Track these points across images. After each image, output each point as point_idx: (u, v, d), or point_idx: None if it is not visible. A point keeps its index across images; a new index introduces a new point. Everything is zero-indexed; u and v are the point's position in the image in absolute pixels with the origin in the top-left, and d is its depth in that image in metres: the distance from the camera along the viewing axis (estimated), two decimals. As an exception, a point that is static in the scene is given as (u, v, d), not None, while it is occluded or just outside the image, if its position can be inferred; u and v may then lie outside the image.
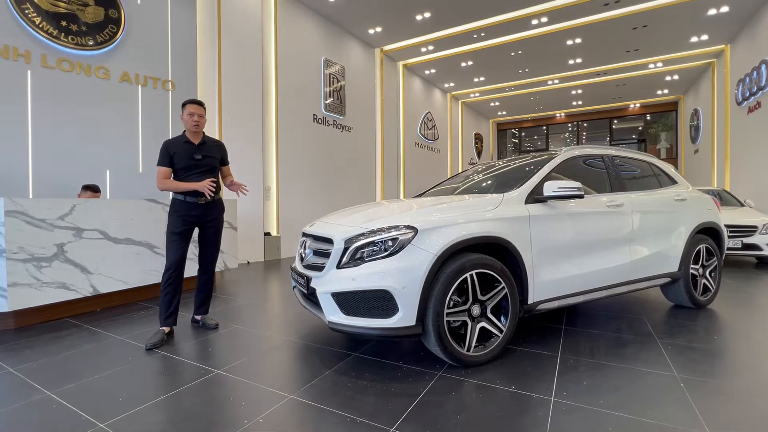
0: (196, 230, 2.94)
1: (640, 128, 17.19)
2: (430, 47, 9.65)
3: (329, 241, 2.30)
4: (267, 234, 6.73)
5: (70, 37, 4.57)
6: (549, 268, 2.47)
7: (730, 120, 9.62)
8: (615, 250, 2.82)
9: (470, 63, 10.67)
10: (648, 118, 16.37)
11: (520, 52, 9.91)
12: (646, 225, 3.01)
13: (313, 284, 2.30)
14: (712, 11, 7.94)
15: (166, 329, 2.71)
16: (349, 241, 2.19)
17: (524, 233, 2.38)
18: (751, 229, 5.62)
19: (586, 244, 2.67)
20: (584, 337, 2.65)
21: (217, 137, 6.08)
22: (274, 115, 6.87)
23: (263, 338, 2.73)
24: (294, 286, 2.94)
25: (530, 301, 2.39)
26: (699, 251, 3.31)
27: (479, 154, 16.28)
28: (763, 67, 7.66)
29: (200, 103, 2.87)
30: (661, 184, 3.39)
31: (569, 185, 2.44)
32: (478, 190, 3.13)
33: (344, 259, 2.18)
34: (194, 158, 2.81)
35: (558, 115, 16.92)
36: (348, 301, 2.11)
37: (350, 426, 1.62)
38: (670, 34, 9.03)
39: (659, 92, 13.83)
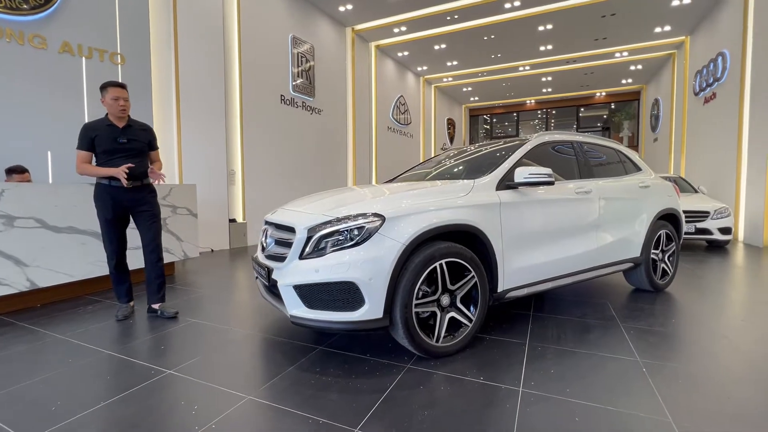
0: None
1: (605, 116, 17.77)
2: (403, 28, 9.39)
3: (291, 229, 2.15)
4: (232, 221, 6.43)
5: (-5, -1, 4.02)
6: (519, 256, 2.44)
7: (687, 110, 10.05)
8: (583, 236, 2.83)
9: (443, 46, 10.51)
10: (612, 106, 16.93)
11: (492, 36, 9.84)
12: (613, 211, 3.04)
13: (274, 276, 2.15)
14: (675, 2, 8.14)
15: (131, 303, 2.95)
16: (312, 230, 2.05)
17: (495, 220, 2.32)
18: (703, 215, 5.92)
19: (555, 231, 2.66)
20: (551, 323, 2.67)
21: (174, 120, 5.66)
22: (238, 95, 6.48)
23: (222, 332, 2.57)
24: (256, 277, 2.78)
25: (500, 289, 2.36)
26: (659, 237, 3.41)
27: (452, 139, 16.30)
28: (720, 59, 7.98)
29: (123, 86, 2.71)
30: (627, 171, 3.43)
31: (540, 172, 2.39)
32: (449, 175, 3.04)
33: (307, 249, 2.04)
34: (118, 141, 2.66)
35: (528, 101, 17.16)
36: (311, 293, 1.98)
37: (312, 427, 1.51)
38: (637, 23, 9.22)
39: (624, 81, 14.26)
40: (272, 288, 2.23)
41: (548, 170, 2.41)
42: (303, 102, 7.91)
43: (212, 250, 6.05)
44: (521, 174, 2.42)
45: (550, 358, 2.12)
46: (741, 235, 6.97)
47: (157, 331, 2.61)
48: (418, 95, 13.34)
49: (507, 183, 2.47)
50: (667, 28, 9.46)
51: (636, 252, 3.23)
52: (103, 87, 2.68)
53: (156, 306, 2.88)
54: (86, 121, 4.75)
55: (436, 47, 10.61)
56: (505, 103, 17.48)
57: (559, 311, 2.93)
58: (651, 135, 13.64)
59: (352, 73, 9.41)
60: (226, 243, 6.31)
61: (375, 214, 2.00)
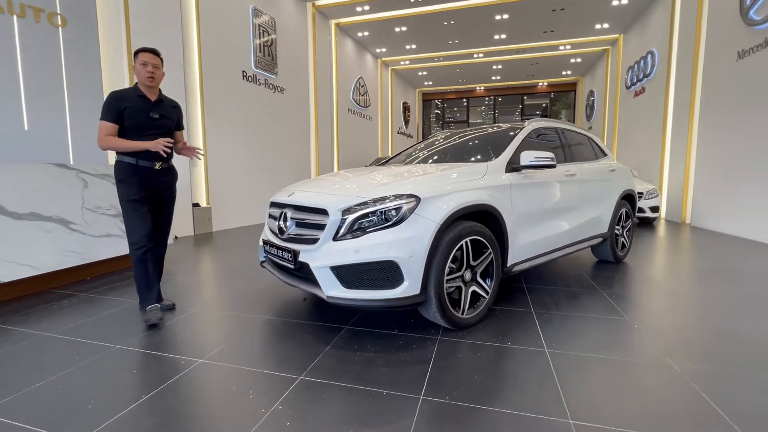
0: None
1: (544, 105, 19.12)
2: (366, 7, 9.21)
3: (321, 211, 2.13)
4: (196, 205, 6.03)
5: None
6: (523, 233, 2.66)
7: (619, 102, 11.21)
8: (569, 214, 3.14)
9: (404, 29, 10.51)
10: (552, 96, 18.25)
11: (452, 22, 10.04)
12: (591, 192, 3.40)
13: (302, 258, 2.14)
14: (615, 2, 8.94)
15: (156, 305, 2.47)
16: (347, 212, 2.06)
17: (506, 201, 2.50)
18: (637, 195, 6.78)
19: (549, 210, 2.93)
20: (545, 293, 2.96)
21: None
22: (198, 68, 5.98)
23: (235, 320, 2.49)
24: (263, 261, 2.72)
25: (509, 263, 2.57)
26: (621, 214, 3.89)
27: (407, 123, 16.50)
28: (649, 57, 8.98)
29: (154, 52, 2.41)
30: (597, 156, 3.83)
31: (544, 155, 2.61)
32: (450, 159, 3.17)
33: (342, 231, 2.05)
34: (150, 116, 2.37)
35: (478, 88, 17.85)
36: (350, 274, 2.01)
37: (378, 399, 1.58)
38: (581, 19, 9.98)
39: (564, 73, 15.41)
40: (298, 270, 2.21)
41: (551, 154, 2.63)
42: (266, 80, 7.50)
43: (176, 237, 5.64)
44: (527, 157, 2.62)
45: (557, 323, 2.38)
46: (663, 213, 8.08)
47: (161, 322, 2.45)
48: (377, 77, 13.25)
49: (513, 166, 2.66)
50: (606, 25, 10.37)
51: (605, 228, 3.65)
52: (135, 53, 2.40)
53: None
54: (22, 93, 4.14)
55: (397, 29, 10.58)
56: (457, 89, 18.02)
57: (547, 283, 3.25)
58: (586, 123, 14.99)
59: (313, 51, 9.08)
60: (191, 229, 5.92)
61: (411, 195, 2.06)
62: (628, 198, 4.05)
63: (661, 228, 6.63)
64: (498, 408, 1.51)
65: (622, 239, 3.97)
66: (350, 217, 2.04)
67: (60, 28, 4.39)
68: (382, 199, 2.05)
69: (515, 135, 2.90)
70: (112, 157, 4.76)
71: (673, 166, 7.80)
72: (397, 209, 2.03)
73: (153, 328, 2.32)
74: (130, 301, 2.85)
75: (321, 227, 2.12)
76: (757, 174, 5.32)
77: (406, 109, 16.31)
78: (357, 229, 2.04)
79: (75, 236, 3.14)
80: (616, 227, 3.84)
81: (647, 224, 7.03)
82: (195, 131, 6.08)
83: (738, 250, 4.63)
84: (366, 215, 2.04)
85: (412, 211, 2.03)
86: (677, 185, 7.54)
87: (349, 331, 2.28)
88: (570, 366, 1.85)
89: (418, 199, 2.06)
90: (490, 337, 2.17)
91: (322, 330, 2.30)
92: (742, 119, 5.66)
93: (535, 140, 3.13)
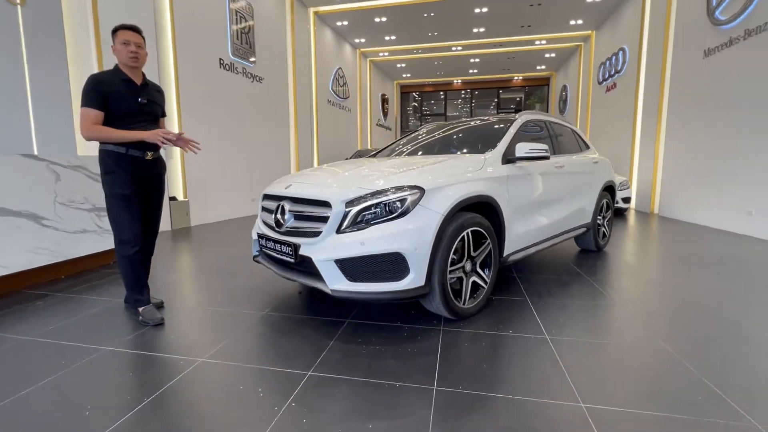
0: None
1: (518, 99, 19.53)
2: (346, -5, 9.03)
3: (323, 204, 2.08)
4: (173, 199, 5.77)
5: None
6: (518, 223, 2.71)
7: (591, 96, 11.60)
8: (559, 204, 3.23)
9: (384, 19, 10.39)
10: (527, 90, 18.65)
11: (432, 14, 10.02)
12: (578, 183, 3.51)
13: (304, 252, 2.08)
14: (590, -1, 9.19)
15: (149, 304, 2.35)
16: (350, 203, 2.02)
17: (504, 192, 2.53)
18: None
19: (541, 201, 3.00)
20: (537, 282, 3.04)
21: None
22: (172, 54, 5.67)
23: (230, 316, 2.41)
24: (256, 255, 2.64)
25: (505, 253, 2.61)
26: (602, 205, 4.04)
27: (385, 115, 16.43)
28: (621, 53, 9.32)
29: (136, 29, 2.19)
30: (581, 149, 3.95)
31: (539, 147, 2.65)
32: (441, 151, 3.17)
33: (345, 223, 2.01)
34: (139, 102, 2.19)
35: (456, 81, 17.99)
36: (355, 266, 1.98)
37: (392, 392, 1.58)
38: (557, 14, 10.20)
39: (538, 67, 15.76)
40: (299, 264, 2.16)
41: (545, 146, 2.68)
42: (243, 68, 7.23)
43: (152, 233, 5.38)
44: (522, 149, 2.66)
45: (552, 310, 2.45)
46: (633, 203, 8.48)
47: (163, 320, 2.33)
48: (355, 68, 13.07)
49: (509, 157, 2.69)
50: (580, 21, 10.66)
51: (589, 218, 3.78)
52: (114, 31, 2.16)
53: None
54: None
55: (377, 20, 10.45)
56: (435, 81, 18.08)
57: (538, 272, 3.34)
58: (559, 117, 15.42)
59: (291, 39, 8.82)
60: (168, 224, 5.66)
61: (415, 186, 2.05)
62: (609, 189, 4.21)
63: (632, 218, 6.96)
64: (511, 395, 1.54)
65: (603, 229, 4.13)
66: (354, 209, 2.00)
67: (18, 5, 4.04)
68: (387, 191, 2.02)
69: (508, 127, 2.93)
70: (82, 148, 4.47)
71: (642, 160, 8.17)
72: (402, 201, 2.01)
73: (159, 327, 2.23)
74: (111, 300, 2.70)
75: (323, 220, 2.07)
76: (720, 167, 5.66)
77: (384, 101, 16.22)
78: (361, 222, 2.01)
79: (48, 232, 2.93)
80: (598, 217, 3.99)
81: (619, 214, 7.35)
82: (170, 121, 5.79)
83: (704, 238, 4.93)
84: (370, 207, 2.01)
85: (416, 202, 2.02)
86: (646, 178, 7.91)
87: (351, 324, 2.25)
88: (572, 351, 1.91)
89: (422, 190, 2.05)
90: (492, 326, 2.21)
91: (322, 324, 2.26)
92: (707, 116, 5.99)
93: (526, 132, 3.18)
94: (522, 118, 3.13)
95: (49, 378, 1.69)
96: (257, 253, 2.65)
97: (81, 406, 1.49)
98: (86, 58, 4.68)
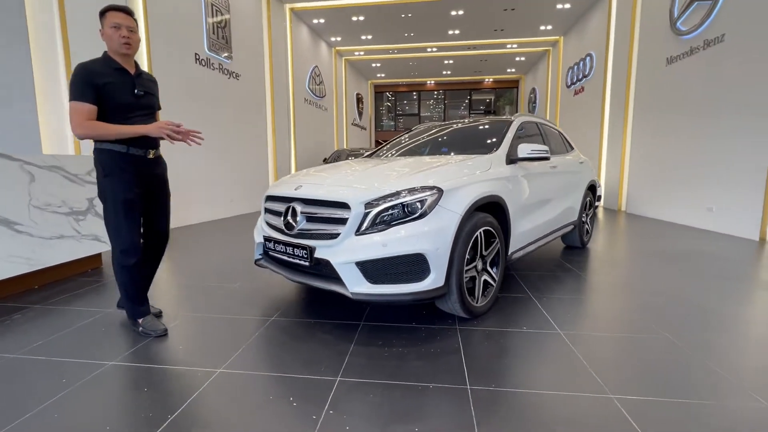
0: None
1: (488, 101, 20.10)
2: (324, -7, 8.91)
3: (341, 205, 2.04)
4: (147, 200, 5.43)
5: None
6: (520, 222, 2.78)
7: (560, 99, 12.13)
8: (553, 203, 3.35)
9: (361, 18, 10.34)
10: (496, 92, 19.22)
11: (410, 15, 10.09)
12: (568, 182, 3.65)
13: (320, 254, 2.03)
14: (559, 5, 9.60)
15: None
16: (369, 205, 1.99)
17: (509, 192, 2.59)
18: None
19: (538, 200, 3.09)
20: (535, 279, 3.14)
21: (63, 80, 4.36)
22: (145, 46, 5.35)
23: (237, 323, 2.30)
24: (258, 259, 2.56)
25: (510, 252, 2.67)
26: (586, 203, 4.23)
27: (360, 115, 16.36)
28: (588, 59, 9.81)
29: (127, 11, 1.97)
30: (567, 150, 4.12)
31: (540, 148, 2.74)
32: (438, 152, 3.20)
33: (365, 225, 1.98)
34: (136, 94, 2.01)
35: (429, 82, 18.22)
36: (376, 269, 1.95)
37: (425, 393, 1.57)
38: (528, 19, 10.58)
39: (508, 70, 16.28)
40: (313, 268, 2.10)
41: (545, 147, 2.77)
42: (220, 64, 6.95)
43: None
44: (524, 150, 2.73)
45: (558, 306, 2.54)
46: (602, 201, 8.96)
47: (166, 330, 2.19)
48: (331, 67, 12.92)
49: (511, 158, 2.76)
50: (549, 27, 11.12)
51: (575, 216, 3.95)
52: (101, 13, 1.92)
53: None
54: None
55: (354, 18, 10.38)
56: (409, 81, 18.23)
57: (533, 269, 3.45)
58: (528, 119, 16.01)
59: (268, 35, 8.58)
60: (142, 227, 5.33)
61: (433, 187, 2.05)
62: (592, 188, 4.42)
63: (602, 215, 7.35)
64: (541, 390, 1.58)
65: (587, 226, 4.34)
66: (374, 211, 1.98)
67: (-27, -11, 3.66)
68: (406, 192, 2.01)
69: (507, 128, 3.00)
70: (48, 145, 4.12)
71: (610, 161, 8.65)
72: (422, 201, 2.00)
73: (163, 338, 2.09)
74: (100, 310, 2.51)
75: (340, 221, 2.03)
76: (683, 167, 6.10)
77: (359, 100, 16.16)
78: (380, 223, 1.99)
79: (22, 239, 2.68)
80: (583, 215, 4.17)
81: (591, 212, 7.74)
82: (143, 118, 5.45)
83: (670, 233, 5.29)
84: (390, 208, 1.99)
85: (435, 203, 2.02)
86: (614, 177, 8.38)
87: (366, 326, 2.22)
88: (588, 345, 1.98)
89: (440, 191, 2.05)
90: (505, 324, 2.25)
91: (336, 328, 2.21)
92: (671, 119, 6.44)
93: (522, 134, 3.28)
94: (518, 120, 3.21)
95: (51, 399, 1.54)
96: (260, 257, 2.56)
97: (98, 427, 1.37)
98: (52, 61, 4.31)
